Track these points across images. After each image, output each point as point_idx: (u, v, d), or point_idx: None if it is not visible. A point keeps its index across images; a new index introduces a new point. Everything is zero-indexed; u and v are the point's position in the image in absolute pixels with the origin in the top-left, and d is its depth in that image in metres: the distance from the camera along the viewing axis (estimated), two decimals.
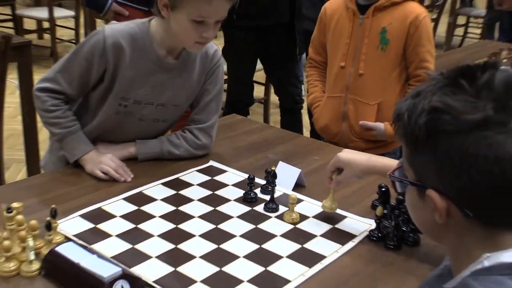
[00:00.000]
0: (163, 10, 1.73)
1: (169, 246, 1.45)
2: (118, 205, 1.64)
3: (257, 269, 1.38)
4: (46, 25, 6.42)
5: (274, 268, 1.39)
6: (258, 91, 4.40)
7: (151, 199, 1.68)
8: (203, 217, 1.61)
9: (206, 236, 1.51)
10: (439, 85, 0.90)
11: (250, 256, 1.43)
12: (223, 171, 1.89)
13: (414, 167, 0.95)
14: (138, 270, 1.34)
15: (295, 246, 1.49)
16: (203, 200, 1.70)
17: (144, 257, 1.40)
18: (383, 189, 1.66)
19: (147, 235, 1.50)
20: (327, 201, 1.59)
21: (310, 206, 1.68)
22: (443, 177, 0.89)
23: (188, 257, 1.41)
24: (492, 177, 0.85)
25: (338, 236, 1.55)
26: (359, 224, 1.62)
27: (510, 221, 0.92)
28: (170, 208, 1.64)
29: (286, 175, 1.81)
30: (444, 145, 0.87)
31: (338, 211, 1.67)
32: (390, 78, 2.28)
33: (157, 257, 1.40)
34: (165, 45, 1.84)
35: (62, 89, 1.81)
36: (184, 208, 1.65)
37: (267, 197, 1.70)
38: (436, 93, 0.89)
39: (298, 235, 1.55)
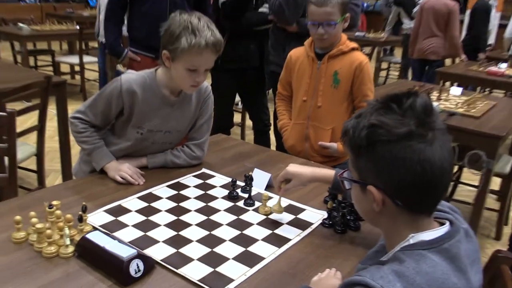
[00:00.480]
0: (166, 61, 1.74)
1: (172, 232, 1.43)
2: (133, 202, 1.61)
3: (239, 249, 1.36)
4: (77, 68, 6.36)
5: (252, 248, 1.38)
6: (237, 117, 4.40)
7: (158, 198, 1.66)
8: (198, 210, 1.59)
9: (200, 225, 1.49)
10: (375, 107, 0.93)
11: (234, 240, 1.42)
12: (213, 176, 1.87)
13: (358, 169, 0.97)
14: (149, 251, 1.32)
15: (268, 232, 1.48)
16: (198, 198, 1.68)
17: (153, 241, 1.38)
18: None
19: (156, 225, 1.47)
20: (276, 205, 1.56)
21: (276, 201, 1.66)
22: (379, 175, 0.92)
23: (187, 241, 1.39)
24: (415, 175, 0.88)
25: (299, 223, 1.54)
26: (315, 215, 1.61)
27: (428, 208, 0.95)
28: (173, 204, 1.62)
29: (260, 179, 1.80)
30: (380, 151, 0.90)
31: (299, 204, 1.67)
32: (341, 109, 2.28)
33: (164, 241, 1.38)
34: (168, 87, 1.83)
35: (89, 119, 1.81)
36: (183, 204, 1.63)
37: (246, 195, 1.68)
38: (373, 113, 0.91)
39: (269, 223, 1.53)
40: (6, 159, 2.18)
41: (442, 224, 0.97)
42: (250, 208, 1.63)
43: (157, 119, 1.84)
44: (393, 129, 0.88)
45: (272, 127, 3.52)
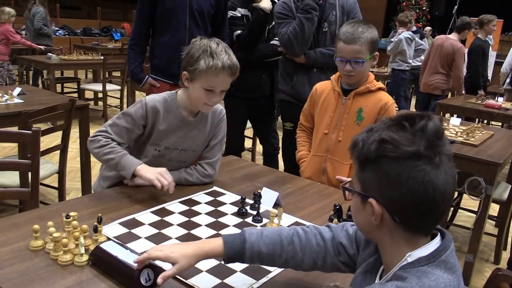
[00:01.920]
0: (185, 81, 1.77)
1: None
2: (147, 216, 1.59)
3: None
4: (100, 95, 6.42)
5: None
6: (247, 143, 4.39)
7: (171, 212, 1.63)
8: (208, 225, 1.56)
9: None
10: (387, 124, 0.90)
11: None
12: (223, 194, 1.84)
13: (361, 181, 0.93)
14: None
15: None
16: (208, 213, 1.65)
17: None
18: (337, 207, 1.62)
19: (167, 238, 1.44)
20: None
21: (285, 218, 1.63)
22: (381, 190, 0.88)
23: None
24: (417, 195, 0.85)
25: None
26: None
27: (425, 229, 0.91)
28: (184, 219, 1.59)
29: (268, 197, 1.77)
30: (386, 166, 0.86)
31: (304, 221, 1.63)
32: None
33: None
34: (187, 108, 1.85)
35: (111, 136, 1.78)
36: (194, 219, 1.60)
37: (255, 212, 1.65)
38: (385, 129, 0.88)
39: None
40: (29, 175, 2.17)
41: (433, 235, 0.93)
42: (258, 224, 1.60)
43: (175, 138, 1.85)
44: (402, 147, 0.85)
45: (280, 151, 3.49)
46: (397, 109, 5.14)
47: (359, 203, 0.95)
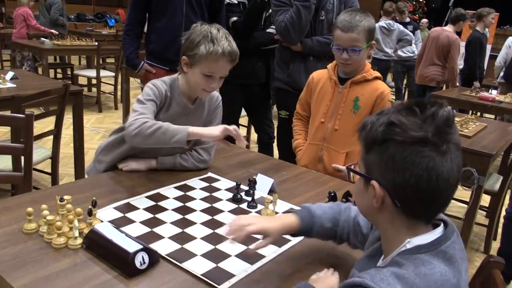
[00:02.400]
0: (185, 66, 1.76)
1: (178, 230, 1.40)
2: (141, 201, 1.58)
3: (241, 247, 1.32)
4: (94, 81, 6.37)
5: (254, 247, 1.33)
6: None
7: (165, 197, 1.62)
8: (203, 211, 1.55)
9: (205, 224, 1.45)
10: (398, 108, 0.89)
11: None
12: (218, 180, 1.84)
13: (366, 164, 0.93)
14: (155, 246, 1.28)
15: None
16: (203, 199, 1.65)
17: (159, 237, 1.34)
18: (332, 194, 1.63)
19: (162, 222, 1.44)
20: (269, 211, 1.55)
21: (279, 205, 1.62)
22: (385, 173, 0.87)
23: (192, 238, 1.36)
24: (420, 181, 0.84)
25: None
26: None
27: (426, 217, 0.91)
28: (179, 204, 1.58)
29: (263, 183, 1.76)
30: (392, 150, 0.86)
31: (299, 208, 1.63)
32: (357, 134, 2.19)
33: (169, 237, 1.34)
34: (186, 94, 1.83)
35: (147, 116, 1.66)
36: (189, 204, 1.59)
37: (249, 198, 1.65)
38: (394, 112, 0.87)
39: None
40: (22, 159, 2.16)
41: (436, 225, 0.93)
42: (253, 210, 1.60)
43: (170, 119, 1.82)
44: (410, 131, 0.84)
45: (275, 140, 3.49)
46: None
47: (361, 185, 0.95)
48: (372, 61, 6.74)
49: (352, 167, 1.03)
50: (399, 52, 7.17)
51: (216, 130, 1.66)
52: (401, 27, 6.82)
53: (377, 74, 2.17)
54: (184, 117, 1.84)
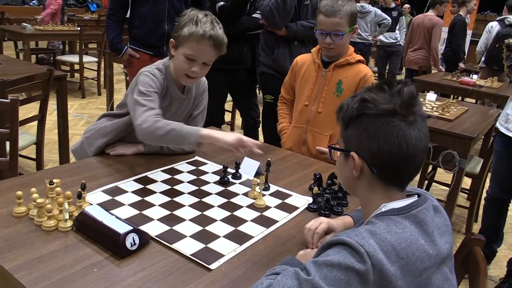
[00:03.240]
0: (172, 49, 1.76)
1: (166, 212, 1.41)
2: (130, 184, 1.59)
3: (229, 228, 1.35)
4: (76, 67, 6.30)
5: (242, 228, 1.36)
6: (227, 117, 4.39)
7: (154, 181, 1.64)
8: (191, 193, 1.57)
9: (193, 206, 1.47)
10: (369, 87, 1.00)
11: (225, 220, 1.40)
12: (205, 163, 1.86)
13: (345, 140, 1.03)
14: (144, 228, 1.30)
15: (256, 214, 1.47)
16: (191, 182, 1.66)
17: (148, 219, 1.36)
18: (317, 176, 1.66)
19: (151, 205, 1.45)
20: (258, 200, 1.54)
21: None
22: (362, 144, 0.98)
23: (180, 219, 1.38)
24: (392, 147, 0.94)
25: (287, 207, 1.54)
26: (301, 200, 1.60)
27: (400, 182, 1.00)
28: (167, 187, 1.60)
29: (250, 166, 1.79)
30: (366, 122, 0.97)
31: (286, 190, 1.66)
32: None
33: (158, 219, 1.36)
34: (176, 81, 1.83)
35: (155, 109, 1.63)
36: (177, 187, 1.61)
37: (237, 181, 1.68)
38: (367, 91, 0.98)
39: (258, 207, 1.52)
40: (7, 145, 2.15)
41: (412, 196, 1.02)
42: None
43: (169, 114, 1.83)
44: (380, 105, 0.95)
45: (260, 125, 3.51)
46: None
47: (342, 159, 1.05)
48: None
49: (333, 146, 1.12)
50: (382, 38, 7.20)
51: (230, 137, 1.57)
52: (378, 11, 6.62)
53: (360, 57, 2.20)
54: (176, 104, 1.84)
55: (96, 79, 6.24)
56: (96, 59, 6.16)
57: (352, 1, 2.10)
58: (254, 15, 3.33)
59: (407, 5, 9.97)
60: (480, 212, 3.53)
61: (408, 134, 0.93)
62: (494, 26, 5.57)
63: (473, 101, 5.43)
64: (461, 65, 5.96)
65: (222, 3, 3.24)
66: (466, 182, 3.74)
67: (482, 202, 2.94)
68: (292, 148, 2.27)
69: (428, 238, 0.92)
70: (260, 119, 3.44)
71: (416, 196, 1.01)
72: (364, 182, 1.01)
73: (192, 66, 1.73)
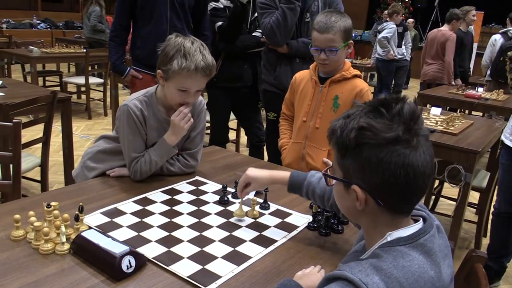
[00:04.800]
0: (160, 79, 1.75)
1: (164, 233, 1.41)
2: (128, 206, 1.59)
3: (228, 249, 1.34)
4: (83, 88, 6.36)
5: (240, 248, 1.36)
6: (231, 135, 4.39)
7: (153, 202, 1.64)
8: (190, 214, 1.57)
9: (192, 226, 1.47)
10: (364, 110, 0.91)
11: (223, 240, 1.39)
12: (205, 183, 1.86)
13: (343, 168, 0.94)
14: (142, 250, 1.29)
15: (255, 234, 1.46)
16: (190, 202, 1.66)
17: (146, 241, 1.36)
18: None
19: (149, 226, 1.45)
20: (238, 210, 1.56)
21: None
22: (364, 176, 0.90)
23: (178, 240, 1.37)
24: (398, 178, 0.87)
25: (286, 226, 1.53)
26: (300, 219, 1.59)
27: (407, 209, 0.94)
28: (166, 207, 1.60)
29: None
30: (366, 153, 0.88)
31: (285, 209, 1.65)
32: None
33: (156, 241, 1.36)
34: (166, 105, 1.83)
35: (137, 157, 1.80)
36: (176, 207, 1.61)
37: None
38: (363, 116, 0.89)
39: (257, 226, 1.51)
40: (11, 167, 2.16)
41: (416, 221, 0.96)
42: (266, 212, 1.63)
43: (156, 134, 1.84)
44: (381, 133, 0.86)
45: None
46: None
47: (342, 189, 0.97)
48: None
49: (328, 172, 1.05)
50: (377, 53, 7.34)
51: (178, 127, 1.79)
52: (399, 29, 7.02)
53: (357, 72, 2.22)
54: (167, 127, 1.83)
55: (102, 100, 6.30)
56: (102, 81, 6.23)
57: (346, 17, 2.13)
58: (254, 34, 3.36)
59: (411, 20, 10.00)
60: (489, 227, 3.49)
61: (414, 161, 0.86)
62: (497, 39, 5.57)
63: (480, 114, 5.40)
64: (457, 81, 5.90)
65: (220, 22, 3.27)
66: (474, 196, 3.71)
67: (491, 216, 2.90)
68: (292, 164, 2.29)
69: (437, 268, 0.88)
70: (265, 137, 3.45)
71: (421, 219, 0.96)
72: (369, 213, 0.94)
73: (186, 97, 1.75)
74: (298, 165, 2.27)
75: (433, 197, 3.69)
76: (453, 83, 5.84)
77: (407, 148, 0.86)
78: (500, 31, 5.74)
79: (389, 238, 0.91)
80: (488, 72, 5.78)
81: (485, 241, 3.30)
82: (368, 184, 0.90)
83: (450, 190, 3.45)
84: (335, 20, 2.07)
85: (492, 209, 2.86)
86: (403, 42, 7.36)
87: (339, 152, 0.94)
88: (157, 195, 1.70)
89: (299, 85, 2.33)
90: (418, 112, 0.89)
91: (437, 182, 3.67)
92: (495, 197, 3.03)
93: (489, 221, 3.47)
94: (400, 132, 0.86)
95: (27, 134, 4.47)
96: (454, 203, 2.95)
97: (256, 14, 3.32)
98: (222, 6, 3.30)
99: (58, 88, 6.57)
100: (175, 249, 1.32)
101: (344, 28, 2.09)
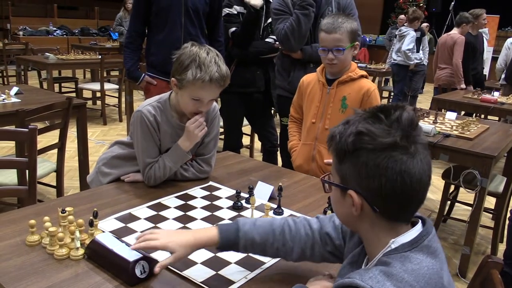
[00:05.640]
0: (174, 87, 1.76)
1: None
2: (143, 211, 1.60)
3: (241, 254, 1.32)
4: (98, 94, 6.42)
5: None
6: (245, 140, 4.40)
7: (167, 207, 1.64)
8: (204, 219, 1.57)
9: None
10: (363, 116, 0.91)
11: None
12: (219, 188, 1.86)
13: (340, 173, 0.94)
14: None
15: None
16: (204, 207, 1.66)
17: None
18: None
19: None
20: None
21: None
22: (360, 181, 0.90)
23: None
24: (395, 184, 0.87)
25: None
26: None
27: (405, 217, 0.93)
28: (180, 213, 1.60)
29: (263, 191, 1.78)
30: (364, 158, 0.88)
31: (299, 214, 1.64)
32: None
33: None
34: (179, 111, 1.84)
35: (151, 162, 1.81)
36: (190, 213, 1.61)
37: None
38: (361, 121, 0.90)
39: None
40: (27, 173, 2.18)
41: (414, 223, 0.95)
42: (279, 217, 1.60)
43: (170, 140, 1.85)
44: (379, 138, 0.87)
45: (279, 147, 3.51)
46: None
47: (338, 195, 0.97)
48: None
49: (327, 178, 1.04)
50: (392, 58, 7.30)
51: (192, 134, 1.79)
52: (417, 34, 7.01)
53: (363, 72, 2.26)
54: (180, 133, 1.84)
55: (117, 106, 6.35)
56: (117, 86, 6.28)
57: (352, 19, 2.20)
58: (267, 40, 3.38)
59: (425, 24, 9.92)
60: (505, 232, 3.44)
61: (411, 168, 0.86)
62: None
63: (496, 118, 5.34)
64: (469, 87, 5.82)
65: (234, 28, 3.29)
66: (491, 202, 3.66)
67: (507, 222, 2.86)
68: (302, 165, 2.33)
69: (444, 267, 0.89)
70: (278, 142, 3.44)
71: (420, 221, 0.95)
72: (366, 220, 0.93)
73: (199, 106, 1.75)
74: (308, 165, 2.32)
75: (449, 202, 3.65)
76: (462, 86, 5.75)
77: (404, 154, 0.86)
78: None
79: (393, 245, 0.91)
80: (503, 76, 5.72)
81: (502, 247, 3.26)
82: (364, 189, 0.90)
83: (466, 195, 3.41)
84: (342, 21, 2.14)
85: (508, 214, 2.82)
86: (420, 47, 7.31)
87: (337, 157, 0.94)
88: (171, 200, 1.70)
89: (306, 87, 2.37)
90: (416, 120, 0.90)
91: (452, 187, 3.62)
92: (511, 203, 2.99)
93: (506, 227, 3.43)
94: (397, 138, 0.86)
95: (43, 140, 4.52)
96: (470, 208, 2.91)
97: (269, 20, 3.33)
98: (235, 12, 3.32)
99: (73, 94, 6.64)
100: None
101: (350, 29, 2.15)
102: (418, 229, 0.93)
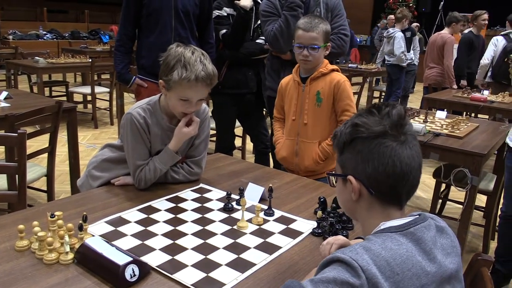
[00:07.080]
0: (163, 89, 1.76)
1: (168, 241, 1.41)
2: (133, 214, 1.59)
3: (232, 256, 1.34)
4: (89, 98, 6.39)
5: (244, 255, 1.35)
6: (237, 142, 4.39)
7: (157, 210, 1.64)
8: (195, 221, 1.56)
9: (196, 234, 1.46)
10: (359, 113, 1.04)
11: (227, 248, 1.39)
12: (210, 190, 1.85)
13: (342, 165, 1.07)
14: (146, 258, 1.29)
15: (260, 240, 1.45)
16: (195, 210, 1.66)
17: (150, 249, 1.35)
18: (322, 199, 1.64)
19: (153, 234, 1.45)
20: (241, 221, 1.54)
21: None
22: (357, 167, 1.02)
23: (183, 248, 1.36)
24: (386, 167, 0.98)
25: (291, 233, 1.52)
26: (306, 225, 1.58)
27: (398, 200, 1.03)
28: (170, 215, 1.60)
29: (254, 192, 1.78)
30: (359, 146, 1.01)
31: (290, 215, 1.64)
32: (325, 124, 2.36)
33: (160, 249, 1.35)
34: (169, 113, 1.83)
35: (141, 165, 1.80)
36: (181, 215, 1.60)
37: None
38: (357, 116, 1.03)
39: (262, 233, 1.51)
40: (17, 178, 2.16)
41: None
42: (271, 218, 1.62)
43: (160, 142, 1.85)
44: (371, 128, 0.99)
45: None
46: None
47: (341, 184, 1.09)
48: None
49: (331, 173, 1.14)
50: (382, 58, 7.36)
51: (181, 133, 1.80)
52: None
53: (334, 67, 2.38)
54: (170, 137, 1.84)
55: (108, 109, 6.33)
56: (108, 90, 6.26)
57: (326, 22, 2.34)
58: (257, 41, 3.38)
59: (415, 24, 9.97)
60: (497, 230, 3.46)
61: (400, 153, 0.97)
62: (499, 40, 5.57)
63: (486, 117, 5.37)
64: (463, 82, 5.97)
65: (225, 30, 3.29)
66: (482, 200, 3.68)
67: (498, 219, 2.87)
68: (286, 158, 2.46)
69: (426, 255, 0.93)
70: (270, 143, 3.45)
71: (418, 215, 1.02)
72: (363, 204, 1.04)
73: (188, 107, 1.75)
74: (292, 159, 2.43)
75: (440, 200, 3.66)
76: (454, 86, 5.82)
77: (394, 141, 0.98)
78: (502, 33, 5.72)
79: (382, 226, 1.00)
80: (489, 73, 5.76)
81: (493, 244, 3.28)
82: (361, 174, 1.01)
83: (457, 193, 3.43)
84: (319, 22, 2.28)
85: (499, 212, 2.84)
86: (411, 47, 7.34)
87: (338, 150, 1.07)
88: (161, 203, 1.70)
89: (285, 89, 2.50)
90: (405, 115, 1.02)
91: (443, 186, 3.64)
92: (502, 200, 3.00)
93: (497, 224, 3.45)
94: (387, 127, 0.99)
95: (34, 145, 4.50)
96: (461, 206, 2.93)
97: (259, 22, 3.33)
98: (225, 14, 3.32)
99: (64, 98, 6.61)
100: (179, 257, 1.31)
101: (326, 30, 2.30)
102: (410, 218, 1.00)
